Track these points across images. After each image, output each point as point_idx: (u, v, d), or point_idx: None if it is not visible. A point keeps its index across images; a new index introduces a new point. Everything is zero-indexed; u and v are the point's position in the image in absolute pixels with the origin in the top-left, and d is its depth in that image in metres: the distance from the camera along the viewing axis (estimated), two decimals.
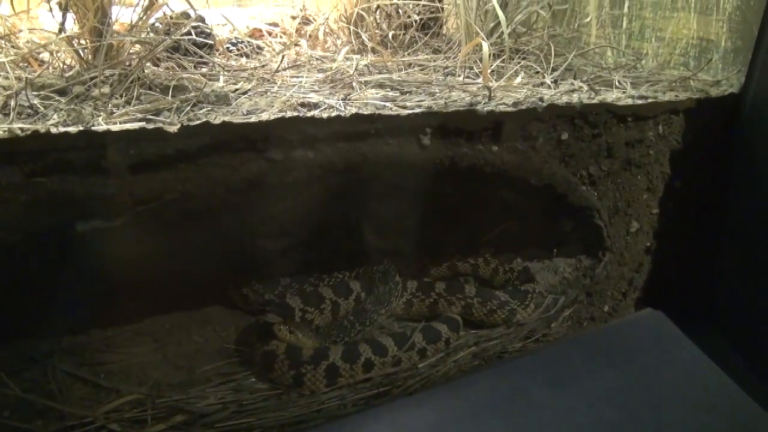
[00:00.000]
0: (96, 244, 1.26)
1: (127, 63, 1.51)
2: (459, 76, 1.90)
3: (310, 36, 2.40)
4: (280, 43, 2.31)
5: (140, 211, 1.19)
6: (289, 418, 1.44)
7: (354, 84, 1.70)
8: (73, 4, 1.49)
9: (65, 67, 1.55)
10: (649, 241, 1.99)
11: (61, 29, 1.51)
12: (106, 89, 1.41)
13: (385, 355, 1.59)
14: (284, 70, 1.81)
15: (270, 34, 2.39)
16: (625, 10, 2.43)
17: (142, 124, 1.19)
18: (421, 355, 1.65)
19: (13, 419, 1.28)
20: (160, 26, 1.69)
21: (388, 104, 1.49)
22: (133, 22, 1.58)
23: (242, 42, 2.13)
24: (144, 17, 1.57)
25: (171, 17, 1.70)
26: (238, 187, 1.27)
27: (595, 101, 1.69)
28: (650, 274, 2.04)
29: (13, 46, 1.63)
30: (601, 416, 1.54)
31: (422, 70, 1.98)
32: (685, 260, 2.06)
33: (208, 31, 1.82)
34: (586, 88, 1.87)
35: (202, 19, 1.80)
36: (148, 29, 1.65)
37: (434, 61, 2.12)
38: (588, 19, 2.38)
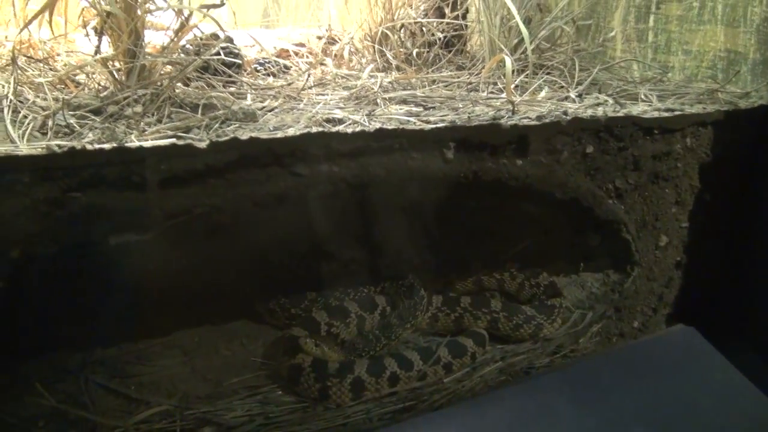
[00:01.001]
0: (128, 258, 1.29)
1: (159, 83, 1.57)
2: (483, 91, 1.91)
3: (335, 55, 2.45)
4: (306, 62, 2.36)
5: (170, 225, 1.22)
6: (315, 431, 1.44)
7: (378, 100, 1.73)
8: (108, 28, 1.55)
9: (100, 88, 1.61)
10: (679, 256, 1.95)
11: (97, 52, 1.57)
12: (139, 108, 1.46)
13: (410, 369, 1.59)
14: (310, 88, 1.85)
15: (297, 54, 2.44)
16: (651, 23, 2.42)
17: (173, 140, 1.23)
18: (447, 369, 1.65)
19: (48, 429, 1.32)
20: (191, 47, 1.75)
21: (411, 119, 1.51)
22: (165, 44, 1.64)
23: (269, 62, 2.18)
24: (175, 39, 1.63)
25: (201, 39, 1.75)
26: (265, 202, 1.29)
27: (620, 114, 1.68)
28: (681, 289, 2.00)
29: (51, 69, 1.70)
30: None
31: (446, 86, 2.00)
32: (717, 275, 2.02)
33: (237, 51, 1.87)
34: (611, 101, 1.86)
35: (230, 40, 1.86)
36: (179, 50, 1.70)
37: (458, 77, 2.14)
38: (612, 34, 2.37)
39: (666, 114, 1.74)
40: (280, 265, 1.64)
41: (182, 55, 1.71)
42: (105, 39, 1.62)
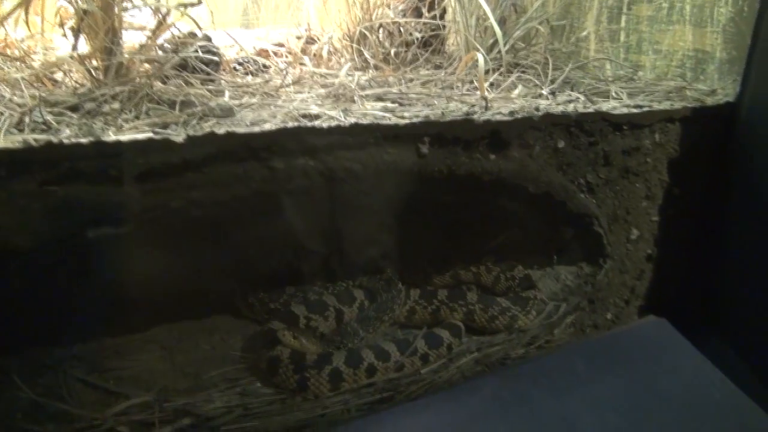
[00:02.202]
0: (105, 252, 1.31)
1: (137, 81, 1.58)
2: (458, 89, 1.95)
3: (314, 55, 2.47)
4: (285, 62, 2.38)
5: (147, 218, 1.24)
6: (294, 421, 1.46)
7: (355, 98, 1.76)
8: (85, 26, 1.57)
9: (77, 85, 1.62)
10: (650, 249, 2.01)
11: (74, 50, 1.58)
12: (117, 105, 1.47)
13: (387, 360, 1.62)
14: (288, 86, 1.87)
15: (276, 53, 2.46)
16: (623, 24, 2.48)
17: (150, 135, 1.25)
18: (424, 360, 1.68)
19: (26, 421, 1.32)
20: (169, 46, 1.76)
21: (387, 115, 1.54)
22: (143, 43, 1.65)
23: (248, 61, 2.20)
24: (152, 37, 1.65)
25: (179, 37, 1.77)
26: (242, 195, 1.31)
27: (590, 110, 1.73)
28: (652, 281, 2.06)
29: (27, 67, 1.71)
30: (604, 423, 1.55)
31: (423, 84, 2.04)
32: (687, 267, 2.08)
33: (215, 50, 1.89)
34: (583, 98, 1.91)
35: (208, 39, 1.88)
36: (157, 49, 1.72)
37: (435, 76, 2.18)
38: (585, 33, 2.43)
39: (635, 110, 1.79)
40: (258, 259, 1.66)
41: (160, 53, 1.72)
42: (82, 37, 1.63)
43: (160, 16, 1.65)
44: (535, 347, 1.82)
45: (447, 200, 1.69)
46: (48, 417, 1.34)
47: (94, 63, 1.63)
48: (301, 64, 2.33)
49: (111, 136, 1.24)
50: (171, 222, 1.32)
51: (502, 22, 2.33)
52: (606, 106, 1.82)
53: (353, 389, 1.57)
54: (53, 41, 1.95)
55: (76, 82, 1.65)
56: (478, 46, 2.15)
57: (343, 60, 2.44)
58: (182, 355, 1.66)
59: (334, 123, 1.38)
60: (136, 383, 1.53)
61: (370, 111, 1.56)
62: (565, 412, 1.55)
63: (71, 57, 1.60)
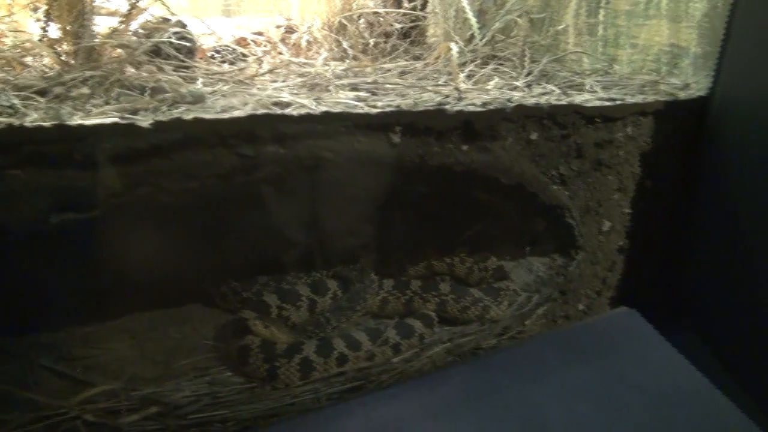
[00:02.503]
0: (71, 239, 1.29)
1: (108, 66, 1.56)
2: (433, 79, 1.95)
3: (293, 44, 2.45)
4: (262, 51, 2.36)
5: (114, 203, 1.23)
6: (263, 410, 1.46)
7: (330, 87, 1.75)
8: (56, 9, 1.54)
9: (47, 69, 1.60)
10: (621, 241, 2.03)
11: (44, 34, 1.56)
12: (86, 90, 1.45)
13: (358, 350, 1.62)
14: (263, 74, 1.86)
15: (255, 42, 2.44)
16: (601, 18, 2.50)
17: (116, 120, 1.24)
18: (395, 350, 1.68)
19: None
20: (142, 32, 1.74)
21: (359, 104, 1.53)
22: (114, 27, 1.63)
23: (226, 49, 2.18)
24: (125, 21, 1.63)
25: (151, 22, 1.75)
26: (212, 182, 1.31)
27: (563, 102, 1.74)
28: (624, 273, 2.08)
29: None
30: (574, 412, 1.57)
31: (399, 75, 2.03)
32: (658, 259, 2.11)
33: (189, 36, 1.87)
34: (557, 91, 1.92)
35: (183, 25, 1.86)
36: (130, 34, 1.70)
37: (413, 66, 2.18)
38: (562, 26, 2.44)
39: (608, 103, 1.81)
40: (229, 248, 1.66)
41: (133, 38, 1.70)
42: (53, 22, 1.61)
43: (133, 0, 1.63)
44: (507, 338, 1.84)
45: (420, 190, 1.69)
46: (12, 405, 1.33)
47: (65, 47, 1.61)
48: (279, 53, 2.32)
49: (77, 121, 1.23)
50: (139, 209, 1.31)
51: (482, 13, 2.33)
52: (579, 98, 1.83)
53: (324, 378, 1.57)
54: (24, 25, 1.92)
55: (45, 66, 1.63)
56: (456, 38, 2.15)
57: (322, 50, 2.43)
58: (152, 343, 1.65)
59: (305, 111, 1.37)
60: (104, 372, 1.52)
61: (342, 100, 1.56)
62: (536, 402, 1.56)
63: (41, 40, 1.58)
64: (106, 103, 1.43)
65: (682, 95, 1.97)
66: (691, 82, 2.08)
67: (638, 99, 1.88)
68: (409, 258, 2.01)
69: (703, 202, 1.97)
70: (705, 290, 2.01)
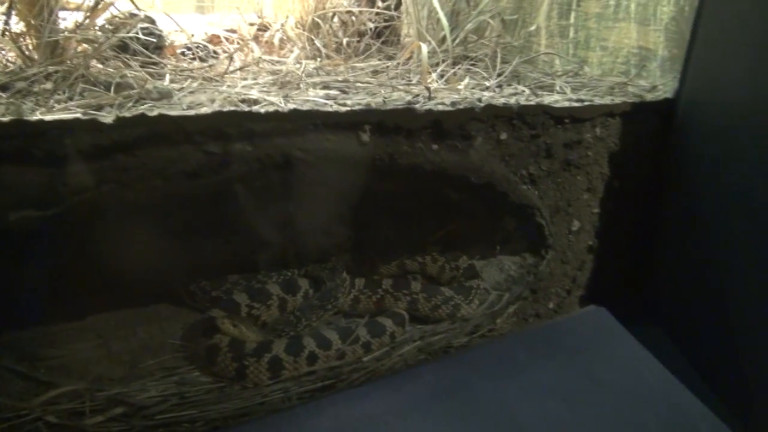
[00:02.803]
0: (32, 236, 1.27)
1: (72, 61, 1.53)
2: (404, 79, 1.96)
3: (266, 42, 2.44)
4: (233, 48, 2.34)
5: (76, 201, 1.21)
6: (233, 410, 1.45)
7: (301, 85, 1.75)
8: (18, 1, 1.51)
9: (8, 64, 1.56)
10: (591, 240, 2.06)
11: (6, 27, 1.52)
12: (49, 85, 1.43)
13: (329, 348, 1.62)
14: (233, 72, 1.84)
15: (228, 40, 2.42)
16: (572, 20, 2.53)
17: (78, 115, 1.22)
18: (366, 348, 1.68)
19: None
20: (108, 26, 1.72)
21: (328, 102, 1.53)
22: (79, 22, 1.60)
23: (197, 46, 2.16)
24: (90, 16, 1.60)
25: (118, 17, 1.73)
26: (177, 180, 1.29)
27: (532, 103, 1.76)
28: (593, 271, 2.11)
29: None
30: (544, 409, 1.58)
31: (371, 74, 2.04)
32: (627, 258, 2.14)
33: (158, 32, 1.85)
34: (528, 92, 1.94)
35: (151, 21, 1.84)
36: (96, 29, 1.67)
37: (386, 66, 2.18)
38: (533, 28, 2.47)
39: (576, 104, 1.83)
40: (198, 246, 1.64)
41: (99, 33, 1.67)
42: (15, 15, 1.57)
43: None
44: (478, 336, 1.85)
45: (390, 190, 1.70)
46: None
47: (28, 41, 1.58)
48: (251, 51, 2.30)
49: (37, 116, 1.20)
50: (103, 206, 1.29)
51: (454, 14, 2.35)
52: (549, 99, 1.85)
53: (294, 377, 1.57)
54: None
55: (8, 60, 1.59)
56: (429, 38, 2.16)
57: (295, 48, 2.42)
58: (119, 343, 1.62)
59: (272, 108, 1.36)
60: (68, 372, 1.49)
61: (311, 98, 1.56)
62: (506, 399, 1.58)
63: (3, 35, 1.54)
64: (70, 99, 1.41)
65: (650, 97, 2.00)
66: (659, 84, 2.12)
67: (606, 100, 1.91)
68: (380, 257, 2.02)
69: (669, 202, 2.00)
70: (671, 288, 2.04)
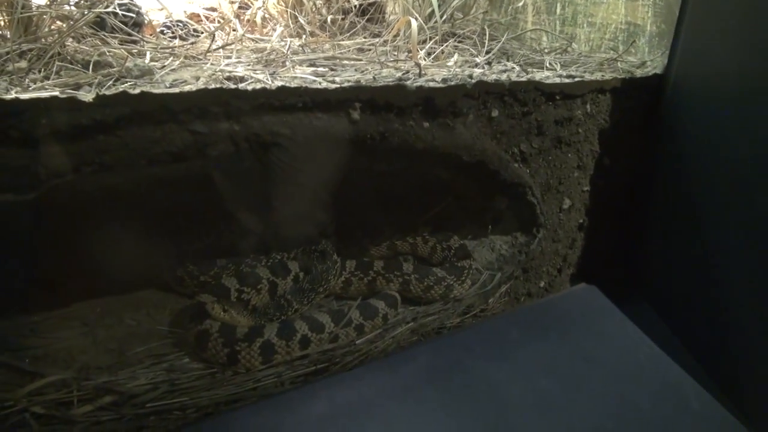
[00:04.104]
0: (10, 221, 1.22)
1: (47, 38, 1.47)
2: (392, 56, 1.92)
3: (248, 20, 2.37)
4: (217, 27, 2.27)
5: (57, 184, 1.15)
6: (224, 396, 1.42)
7: (287, 63, 1.70)
8: None
9: None
10: (581, 218, 2.05)
11: None
12: (23, 64, 1.36)
13: (321, 332, 1.60)
14: (216, 50, 1.78)
15: (208, 18, 2.35)
16: None
17: (55, 94, 1.16)
18: (359, 331, 1.66)
19: None
20: (84, 2, 1.64)
21: (317, 79, 1.49)
22: None
23: (177, 24, 2.09)
24: None
25: None
26: (162, 160, 1.24)
27: (523, 79, 1.73)
28: (583, 250, 2.11)
29: None
30: (537, 387, 1.58)
31: (358, 51, 1.99)
32: (617, 236, 2.14)
33: (137, 9, 1.78)
34: (517, 68, 1.91)
35: None
36: (71, 4, 1.60)
37: (372, 43, 2.13)
38: (521, 4, 2.43)
39: (567, 80, 1.80)
40: (184, 230, 1.60)
41: (74, 9, 1.60)
42: None
43: None
44: (471, 316, 1.84)
45: (381, 169, 1.66)
46: None
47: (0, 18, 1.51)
48: (234, 29, 2.23)
49: (12, 95, 1.14)
50: (85, 189, 1.24)
51: None
52: (539, 75, 1.83)
53: (286, 361, 1.54)
54: None
55: None
56: (415, 14, 2.11)
57: (278, 26, 2.35)
58: (105, 331, 1.58)
59: (259, 86, 1.32)
60: (54, 362, 1.45)
61: (299, 75, 1.51)
62: (499, 379, 1.57)
63: None
64: (46, 78, 1.35)
65: (639, 73, 1.99)
66: (648, 60, 2.11)
67: (597, 76, 1.89)
68: (371, 238, 1.99)
69: (658, 178, 2.00)
70: (660, 266, 2.05)
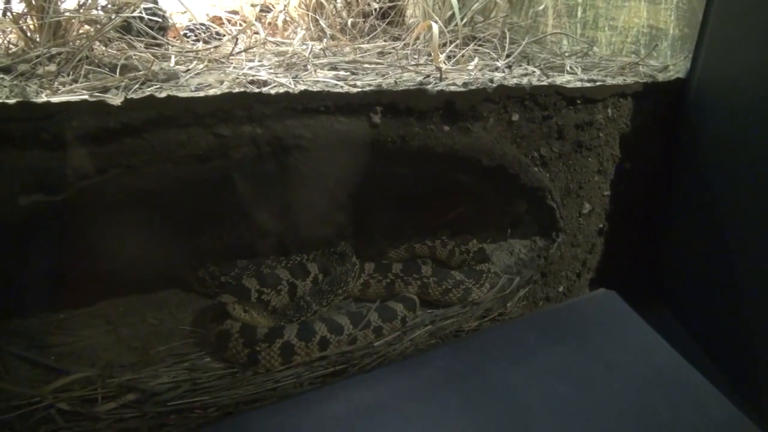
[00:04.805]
0: (42, 222, 1.24)
1: (76, 42, 1.50)
2: (413, 60, 1.92)
3: (269, 24, 2.40)
4: (239, 30, 2.30)
5: (85, 185, 1.18)
6: (244, 396, 1.44)
7: (308, 66, 1.71)
8: None
9: (11, 46, 1.53)
10: (601, 223, 2.04)
11: (7, 6, 1.49)
12: (53, 67, 1.39)
13: (340, 334, 1.61)
14: (239, 53, 1.81)
15: (229, 21, 2.38)
16: (580, 0, 2.49)
17: (85, 97, 1.19)
18: (377, 333, 1.67)
19: None
20: (111, 7, 1.68)
21: (339, 83, 1.50)
22: (82, 2, 1.56)
23: (200, 28, 2.12)
24: None
25: None
26: (186, 162, 1.27)
27: (544, 83, 1.73)
28: (603, 254, 2.10)
29: None
30: (555, 392, 1.57)
31: (378, 54, 2.00)
32: (637, 241, 2.12)
33: (161, 13, 1.81)
34: (538, 72, 1.91)
35: (154, 1, 1.80)
36: (98, 9, 1.63)
37: (392, 47, 2.14)
38: (542, 7, 2.43)
39: (588, 84, 1.80)
40: (207, 231, 1.62)
41: (101, 14, 1.63)
42: None
43: None
44: (489, 320, 1.84)
45: (401, 172, 1.67)
46: None
47: (30, 23, 1.54)
48: (255, 32, 2.26)
49: (43, 98, 1.17)
50: (112, 190, 1.26)
51: None
52: (560, 79, 1.82)
53: (306, 362, 1.55)
54: None
55: (9, 42, 1.56)
56: (436, 17, 2.12)
57: (299, 30, 2.38)
58: (128, 329, 1.61)
59: (282, 90, 1.33)
60: (78, 359, 1.48)
61: (321, 79, 1.52)
62: (517, 382, 1.57)
63: (4, 15, 1.50)
64: (75, 81, 1.38)
65: (661, 77, 1.97)
66: (670, 64, 2.09)
67: (618, 80, 1.88)
68: (389, 241, 1.99)
69: (680, 183, 1.98)
70: (680, 271, 2.03)
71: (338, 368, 1.55)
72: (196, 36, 2.09)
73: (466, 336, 1.79)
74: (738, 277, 1.75)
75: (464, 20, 2.21)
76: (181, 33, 2.06)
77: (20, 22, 1.52)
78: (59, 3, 1.52)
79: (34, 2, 1.49)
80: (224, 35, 2.19)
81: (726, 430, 1.58)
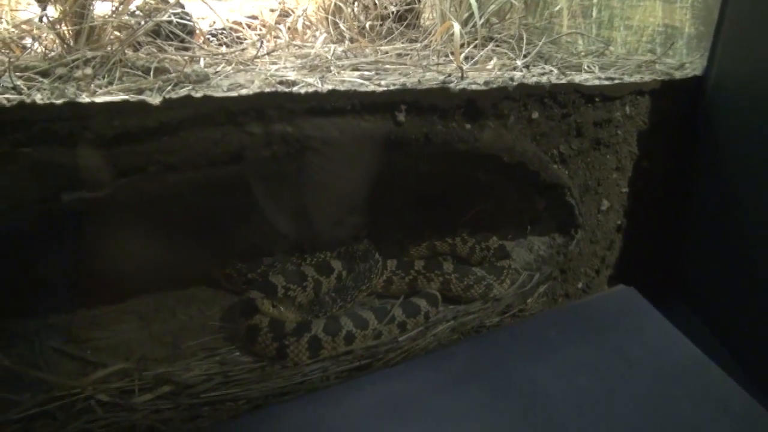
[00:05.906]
0: (81, 218, 1.29)
1: (109, 47, 1.55)
2: (433, 60, 1.96)
3: (289, 28, 2.44)
4: (258, 34, 2.35)
5: (124, 183, 1.23)
6: (273, 389, 1.48)
7: (332, 68, 1.75)
8: None
9: (48, 50, 1.58)
10: (619, 219, 2.06)
11: (43, 15, 1.54)
12: (89, 70, 1.44)
13: (366, 328, 1.64)
14: (263, 56, 1.85)
15: (249, 26, 2.43)
16: (595, 0, 2.51)
17: (126, 98, 1.23)
18: (402, 328, 1.70)
19: (1, 391, 1.31)
20: (140, 13, 1.73)
21: (365, 82, 1.54)
22: (114, 8, 1.62)
23: (223, 32, 2.17)
24: (124, 2, 1.61)
25: (149, 3, 1.74)
26: (220, 160, 1.31)
27: (563, 81, 1.76)
28: (622, 251, 2.11)
29: None
30: (575, 387, 1.59)
31: (398, 55, 2.04)
32: (655, 238, 2.14)
33: (188, 17, 1.86)
34: (556, 71, 1.94)
35: (182, 6, 1.85)
36: (128, 14, 1.68)
37: (411, 48, 2.18)
38: (558, 8, 2.46)
39: (606, 83, 1.82)
40: (236, 228, 1.66)
41: (131, 19, 1.69)
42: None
43: None
44: (509, 316, 1.87)
45: (423, 170, 1.70)
46: (24, 386, 1.33)
47: (65, 28, 1.59)
48: (276, 36, 2.31)
49: (86, 99, 1.22)
50: (148, 188, 1.31)
51: None
52: (578, 78, 1.85)
53: (332, 357, 1.59)
54: (23, 5, 1.89)
55: (46, 47, 1.61)
56: (454, 20, 2.15)
57: (318, 33, 2.42)
58: (159, 325, 1.66)
59: (311, 89, 1.37)
60: (113, 353, 1.53)
61: (347, 79, 1.56)
62: (538, 378, 1.59)
63: (40, 21, 1.56)
64: (110, 84, 1.43)
65: (678, 75, 1.99)
66: (686, 62, 2.11)
67: (636, 78, 1.90)
68: (411, 238, 2.03)
69: (698, 180, 2.00)
70: (700, 267, 2.04)
71: (363, 362, 1.59)
72: (218, 40, 2.15)
73: (488, 331, 1.82)
74: (757, 272, 1.76)
75: (481, 21, 2.24)
76: (205, 37, 2.11)
77: (55, 27, 1.57)
78: (92, 9, 1.57)
79: (68, 9, 1.54)
80: (246, 39, 2.24)
81: (746, 425, 1.58)
